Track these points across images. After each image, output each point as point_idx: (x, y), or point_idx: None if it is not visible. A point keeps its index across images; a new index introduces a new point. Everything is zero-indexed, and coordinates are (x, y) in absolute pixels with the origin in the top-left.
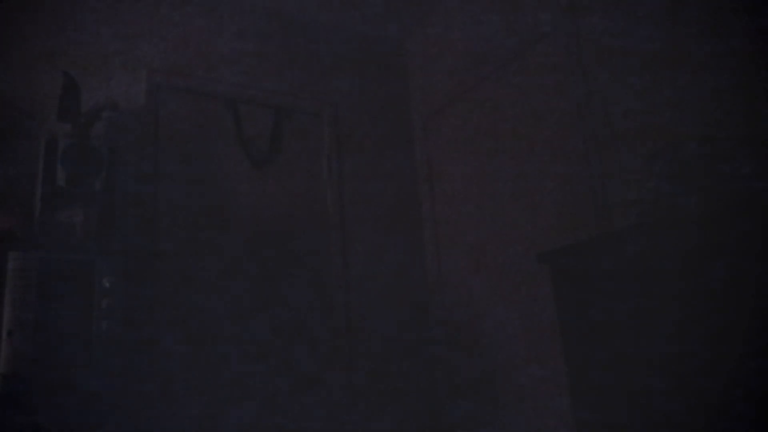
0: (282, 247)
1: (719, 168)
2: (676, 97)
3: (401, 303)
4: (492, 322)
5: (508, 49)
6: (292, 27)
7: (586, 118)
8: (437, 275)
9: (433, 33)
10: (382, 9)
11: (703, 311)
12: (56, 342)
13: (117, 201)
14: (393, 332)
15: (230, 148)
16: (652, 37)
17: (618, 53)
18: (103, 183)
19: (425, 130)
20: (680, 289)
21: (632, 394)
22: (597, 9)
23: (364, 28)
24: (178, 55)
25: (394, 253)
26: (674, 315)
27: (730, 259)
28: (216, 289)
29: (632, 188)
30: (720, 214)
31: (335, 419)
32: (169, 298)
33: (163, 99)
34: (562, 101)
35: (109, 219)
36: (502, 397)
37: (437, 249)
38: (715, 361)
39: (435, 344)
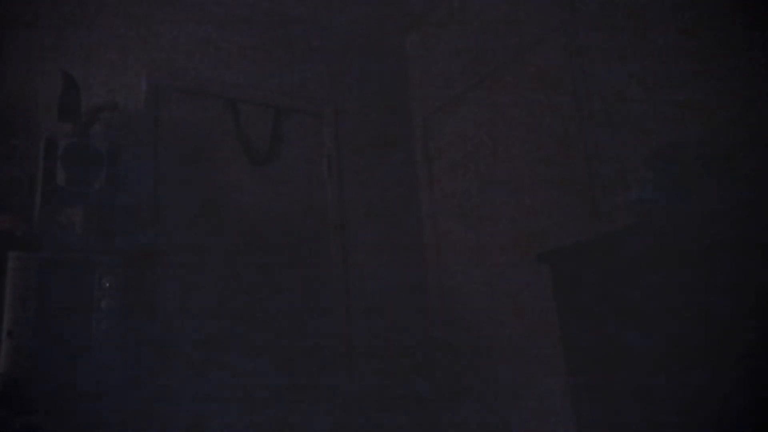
0: (282, 247)
1: (719, 168)
2: (676, 98)
3: (401, 303)
4: (492, 322)
5: (508, 48)
6: (292, 27)
7: (586, 118)
8: (437, 275)
9: (433, 33)
10: (382, 9)
11: (703, 311)
12: (56, 342)
13: (117, 201)
14: (393, 332)
15: (230, 148)
16: (653, 37)
17: (618, 53)
18: (103, 183)
19: (425, 130)
20: (680, 288)
21: (632, 394)
22: (597, 9)
23: (364, 28)
24: (178, 55)
25: (394, 253)
26: (674, 314)
27: (730, 259)
28: (215, 288)
29: (632, 188)
30: (720, 214)
31: (335, 420)
32: (169, 298)
33: (163, 99)
34: (562, 101)
35: (109, 219)
36: (503, 397)
37: (437, 249)
38: (716, 360)
39: (435, 344)
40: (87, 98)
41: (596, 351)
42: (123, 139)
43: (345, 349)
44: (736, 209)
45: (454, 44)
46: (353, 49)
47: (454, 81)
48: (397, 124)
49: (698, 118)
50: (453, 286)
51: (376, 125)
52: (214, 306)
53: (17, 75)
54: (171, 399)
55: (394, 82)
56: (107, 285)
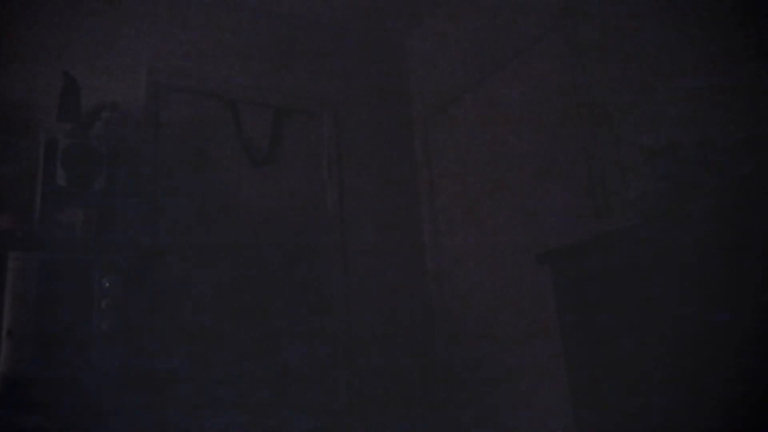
0: (282, 247)
1: (719, 168)
2: (676, 97)
3: (401, 303)
4: (492, 322)
5: (509, 48)
6: (292, 26)
7: (586, 118)
8: (437, 275)
9: (433, 32)
10: (383, 8)
11: (703, 311)
12: (56, 342)
13: (117, 201)
14: (393, 333)
15: (230, 148)
16: (652, 36)
17: (618, 53)
18: (103, 183)
19: (425, 130)
20: (680, 288)
21: (632, 394)
22: (597, 8)
23: (364, 28)
24: (178, 55)
25: (394, 253)
26: (674, 314)
27: (730, 259)
28: (215, 288)
29: (632, 188)
30: (720, 214)
31: (335, 421)
32: (169, 298)
33: (163, 99)
34: (562, 101)
35: (109, 219)
36: (503, 398)
37: (437, 249)
38: (716, 360)
39: (435, 345)
40: (87, 98)
41: (596, 351)
42: (123, 139)
43: (345, 348)
44: (735, 209)
45: (454, 44)
46: (353, 48)
47: (454, 81)
48: (397, 124)
49: (698, 118)
50: (453, 286)
51: (376, 125)
52: (214, 306)
53: (17, 75)
54: (170, 398)
55: (394, 82)
56: (107, 285)
